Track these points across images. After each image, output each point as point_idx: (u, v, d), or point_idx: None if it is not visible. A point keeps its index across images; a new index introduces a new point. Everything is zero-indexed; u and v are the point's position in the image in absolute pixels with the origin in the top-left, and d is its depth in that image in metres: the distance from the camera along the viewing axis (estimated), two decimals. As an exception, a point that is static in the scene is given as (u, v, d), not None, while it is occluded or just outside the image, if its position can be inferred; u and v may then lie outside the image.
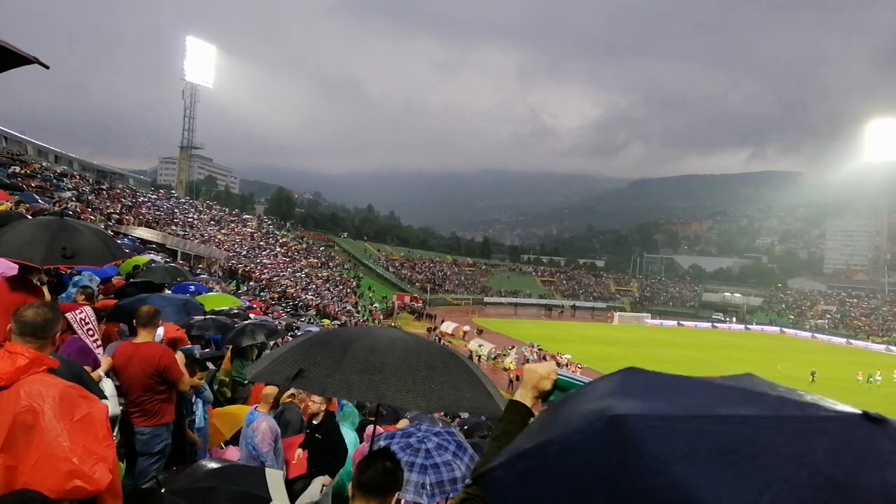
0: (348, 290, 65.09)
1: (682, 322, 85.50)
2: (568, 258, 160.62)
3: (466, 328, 54.60)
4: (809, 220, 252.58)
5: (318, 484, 5.25)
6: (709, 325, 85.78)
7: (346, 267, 78.44)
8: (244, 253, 54.22)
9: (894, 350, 71.61)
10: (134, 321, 5.20)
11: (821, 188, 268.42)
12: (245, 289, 36.90)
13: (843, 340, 78.24)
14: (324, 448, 5.47)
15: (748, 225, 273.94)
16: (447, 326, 54.13)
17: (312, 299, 48.26)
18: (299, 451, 5.69)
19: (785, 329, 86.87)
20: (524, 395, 1.82)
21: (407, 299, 73.19)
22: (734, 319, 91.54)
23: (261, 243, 63.02)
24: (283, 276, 53.27)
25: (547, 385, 1.84)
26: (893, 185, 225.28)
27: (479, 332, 54.65)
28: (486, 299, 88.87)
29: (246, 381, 8.39)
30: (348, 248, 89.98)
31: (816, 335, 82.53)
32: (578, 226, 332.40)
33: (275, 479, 3.19)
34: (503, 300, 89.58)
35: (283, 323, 20.72)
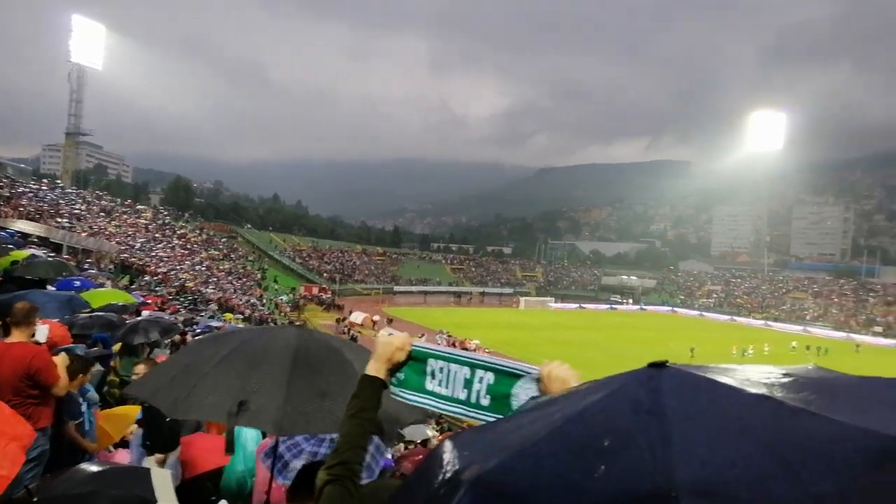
0: (252, 283, 63.13)
1: (583, 305, 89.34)
2: (477, 246, 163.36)
3: (376, 318, 54.42)
4: (699, 206, 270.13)
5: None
6: (608, 307, 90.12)
7: (249, 259, 75.96)
8: (138, 246, 51.28)
9: (772, 325, 78.34)
10: (8, 319, 4.86)
11: (709, 176, 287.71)
12: (139, 284, 34.96)
13: (728, 317, 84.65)
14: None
15: (644, 212, 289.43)
16: (356, 316, 53.76)
17: (213, 293, 46.46)
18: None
19: (676, 309, 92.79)
20: (378, 369, 1.78)
21: (315, 290, 71.97)
22: (631, 301, 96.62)
23: (156, 235, 59.82)
24: (182, 269, 50.88)
25: (402, 356, 1.83)
26: (773, 173, 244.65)
27: (390, 321, 54.65)
28: (397, 288, 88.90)
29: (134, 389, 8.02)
30: (252, 239, 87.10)
31: (704, 313, 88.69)
32: (487, 214, 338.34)
33: (161, 480, 3.09)
34: (413, 288, 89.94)
35: (181, 318, 19.84)
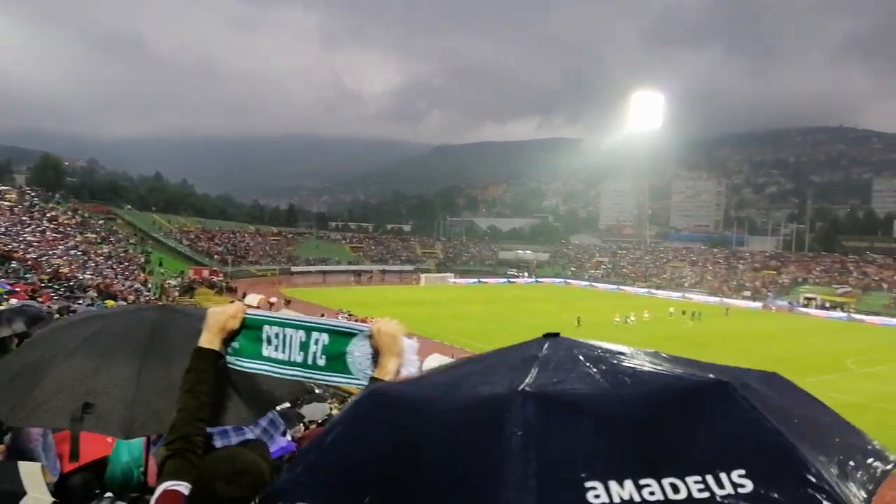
0: (136, 267, 59.22)
1: (482, 279, 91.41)
2: (376, 223, 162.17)
3: (273, 300, 52.63)
4: (588, 182, 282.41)
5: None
6: (505, 280, 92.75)
7: (131, 242, 71.15)
8: (2, 230, 46.61)
9: (655, 293, 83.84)
10: None
11: (597, 154, 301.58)
12: (6, 271, 31.79)
13: (615, 287, 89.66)
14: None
15: (537, 188, 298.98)
16: (251, 299, 51.49)
17: (92, 279, 43.11)
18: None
19: (568, 280, 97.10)
20: (210, 340, 1.77)
21: (206, 273, 68.68)
22: (526, 274, 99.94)
23: (23, 218, 54.60)
24: (54, 254, 46.84)
25: (235, 325, 1.81)
26: (654, 150, 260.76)
27: (288, 302, 53.24)
28: (294, 269, 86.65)
29: None
30: (133, 221, 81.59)
31: (594, 284, 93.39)
32: (385, 191, 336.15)
33: (30, 472, 2.83)
34: (311, 269, 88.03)
35: (56, 307, 18.25)
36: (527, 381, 1.07)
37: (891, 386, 33.00)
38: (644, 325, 50.68)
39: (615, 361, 1.19)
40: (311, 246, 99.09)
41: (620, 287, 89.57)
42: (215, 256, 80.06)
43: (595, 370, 1.12)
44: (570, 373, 1.11)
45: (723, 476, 0.90)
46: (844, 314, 67.51)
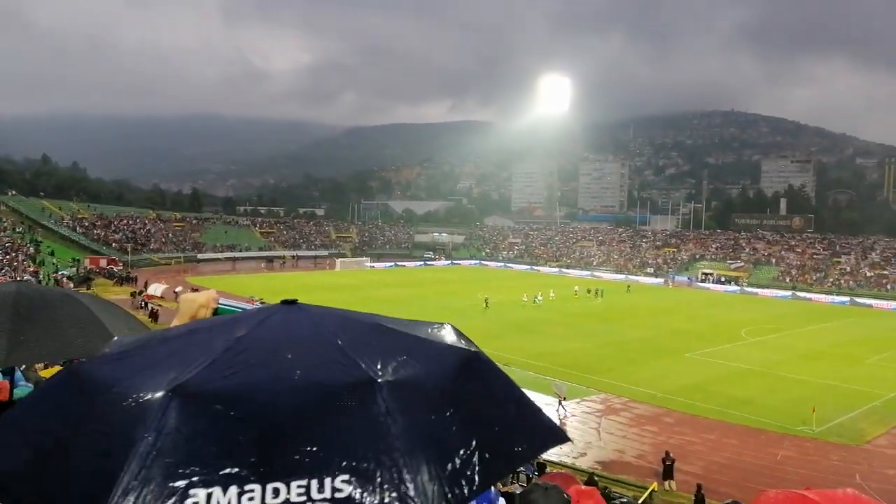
0: (24, 258, 54.71)
1: (398, 263, 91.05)
2: (288, 208, 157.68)
3: (179, 289, 50.27)
4: (500, 164, 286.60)
5: None
6: (421, 263, 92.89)
7: (17, 230, 65.62)
8: None
9: (566, 272, 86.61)
10: None
11: (509, 136, 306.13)
12: None
13: (528, 267, 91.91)
14: None
15: (451, 170, 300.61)
16: (155, 289, 49.18)
17: (-28, 272, 39.50)
18: None
19: (484, 262, 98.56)
20: None
21: (103, 262, 64.49)
22: (442, 257, 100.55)
23: None
24: (-75, 245, 42.45)
25: (206, 314, 1.79)
26: (562, 133, 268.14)
27: (195, 291, 50.86)
28: (200, 256, 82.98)
29: None
30: (19, 207, 75.31)
31: (508, 264, 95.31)
32: (296, 174, 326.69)
33: None
34: (220, 255, 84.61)
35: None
36: (191, 374, 1.04)
37: (779, 354, 35.80)
38: (551, 303, 52.21)
39: (307, 346, 1.16)
40: (218, 232, 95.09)
41: (534, 267, 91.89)
42: (113, 245, 75.29)
43: (287, 355, 1.10)
44: (249, 363, 1.09)
45: (327, 480, 0.91)
46: (738, 288, 72.52)
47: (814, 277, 73.72)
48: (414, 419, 0.97)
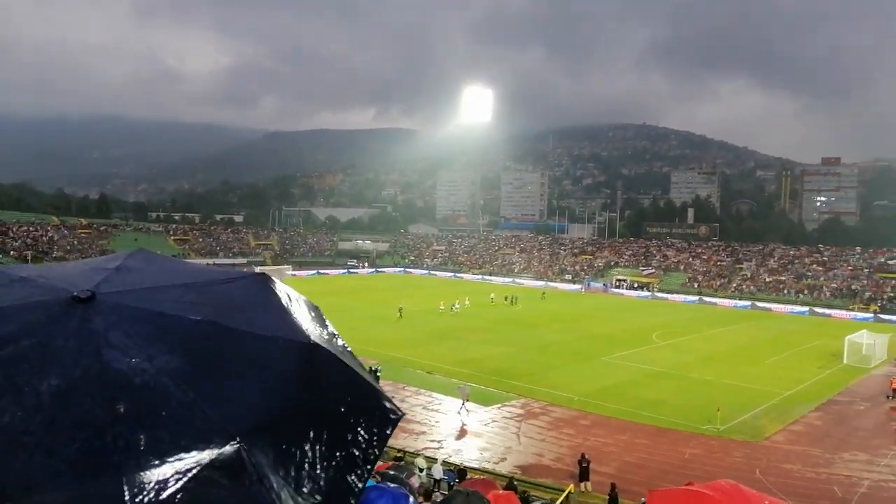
0: None
1: (321, 271, 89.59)
2: (204, 214, 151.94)
3: (84, 299, 47.36)
4: (424, 172, 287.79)
5: None
6: (345, 271, 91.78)
7: None
8: None
9: (488, 279, 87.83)
10: None
11: (433, 145, 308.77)
12: None
13: (452, 275, 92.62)
14: None
15: (375, 178, 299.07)
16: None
17: None
18: None
19: (408, 269, 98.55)
20: None
21: (-2, 272, 59.85)
22: (366, 264, 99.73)
23: None
24: None
25: None
26: (485, 143, 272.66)
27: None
28: (109, 264, 78.46)
29: None
30: None
31: (433, 272, 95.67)
32: (213, 179, 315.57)
33: None
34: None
35: None
36: None
37: (687, 356, 37.70)
38: (467, 310, 52.56)
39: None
40: (128, 239, 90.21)
41: (457, 274, 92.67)
42: (11, 252, 70.11)
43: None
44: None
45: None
46: (649, 293, 75.89)
47: (718, 283, 78.14)
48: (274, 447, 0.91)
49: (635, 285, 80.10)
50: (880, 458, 21.27)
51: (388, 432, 0.91)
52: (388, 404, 0.93)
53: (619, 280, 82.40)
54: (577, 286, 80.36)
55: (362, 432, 0.89)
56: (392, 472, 5.45)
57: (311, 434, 0.87)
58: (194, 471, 0.86)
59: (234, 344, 1.11)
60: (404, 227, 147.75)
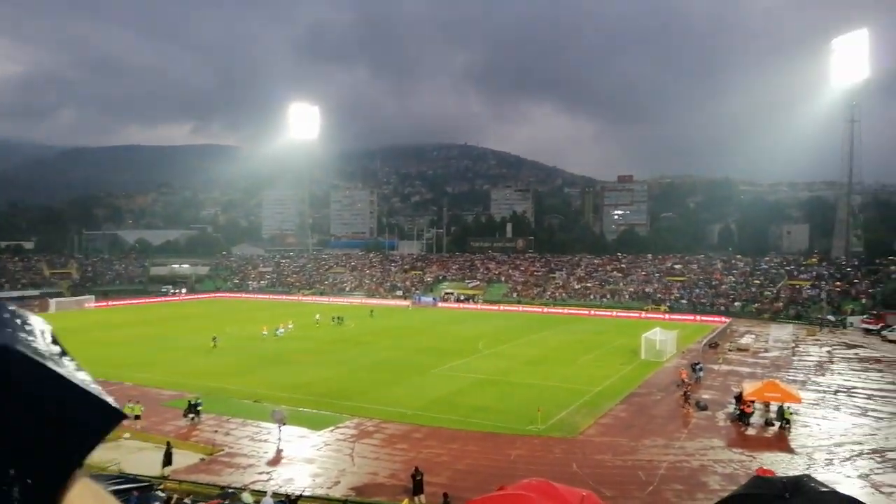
0: None
1: (130, 300, 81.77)
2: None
3: None
4: (248, 191, 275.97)
5: None
6: (159, 298, 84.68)
7: None
8: None
9: (319, 299, 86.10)
10: None
11: (257, 162, 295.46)
12: None
13: (281, 296, 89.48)
14: None
15: (193, 196, 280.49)
16: None
17: None
18: None
19: (232, 293, 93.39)
20: None
21: None
22: (184, 290, 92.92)
23: None
24: None
25: None
26: (312, 160, 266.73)
27: None
28: None
29: None
30: None
31: (259, 296, 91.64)
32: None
33: None
34: None
35: None
36: None
37: (510, 362, 39.92)
38: (291, 334, 50.74)
39: None
40: None
41: (287, 296, 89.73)
42: None
43: None
44: None
45: None
46: (475, 305, 79.48)
47: (535, 292, 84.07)
48: None
49: (462, 297, 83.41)
50: (674, 441, 24.11)
51: (101, 430, 0.87)
52: (106, 403, 0.89)
53: (448, 293, 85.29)
54: (408, 302, 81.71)
55: (65, 430, 0.85)
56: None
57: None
58: None
59: None
60: (227, 249, 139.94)
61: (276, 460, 22.07)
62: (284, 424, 23.79)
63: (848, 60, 75.53)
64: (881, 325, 54.96)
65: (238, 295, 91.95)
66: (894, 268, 72.78)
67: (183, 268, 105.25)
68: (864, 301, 65.46)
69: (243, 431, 25.06)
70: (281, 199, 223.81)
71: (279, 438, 23.60)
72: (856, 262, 76.94)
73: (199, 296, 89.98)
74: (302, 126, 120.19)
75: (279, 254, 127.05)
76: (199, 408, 26.27)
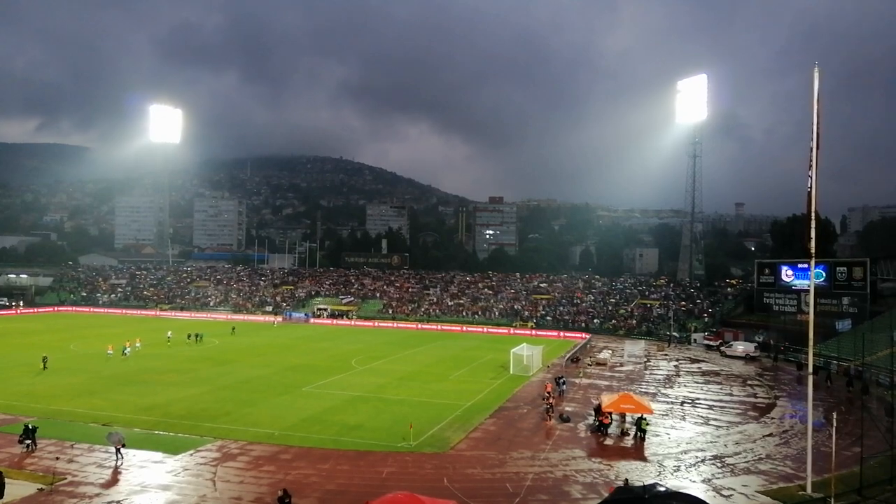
0: None
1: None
2: None
3: None
4: (99, 195, 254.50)
5: None
6: (-11, 312, 75.34)
7: None
8: None
9: (179, 315, 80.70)
10: None
11: (110, 165, 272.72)
12: None
13: (135, 311, 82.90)
14: None
15: (34, 200, 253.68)
16: None
17: None
18: None
19: (78, 307, 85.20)
20: None
21: None
22: (22, 303, 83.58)
23: None
24: None
25: None
26: (174, 166, 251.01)
27: None
28: None
29: None
30: None
31: (109, 310, 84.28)
32: None
33: None
34: None
35: None
36: None
37: (383, 378, 39.66)
38: (138, 353, 46.94)
39: None
40: None
41: (142, 311, 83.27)
42: None
43: None
44: None
45: None
46: (349, 321, 78.35)
47: (409, 308, 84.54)
48: None
49: (336, 313, 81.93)
50: (540, 452, 25.05)
51: None
52: None
53: (321, 309, 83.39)
54: (273, 318, 78.28)
55: None
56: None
57: None
58: None
59: None
60: (73, 258, 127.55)
61: (125, 488, 20.20)
62: (123, 446, 22.11)
63: (690, 101, 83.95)
64: (719, 341, 60.98)
65: (85, 309, 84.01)
66: (730, 290, 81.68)
67: (21, 278, 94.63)
68: (705, 319, 72.45)
69: (89, 458, 22.71)
70: (137, 207, 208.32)
71: (119, 462, 21.83)
72: (698, 284, 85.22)
73: (40, 309, 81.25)
74: (163, 129, 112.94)
75: (134, 265, 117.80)
76: (34, 432, 23.53)
